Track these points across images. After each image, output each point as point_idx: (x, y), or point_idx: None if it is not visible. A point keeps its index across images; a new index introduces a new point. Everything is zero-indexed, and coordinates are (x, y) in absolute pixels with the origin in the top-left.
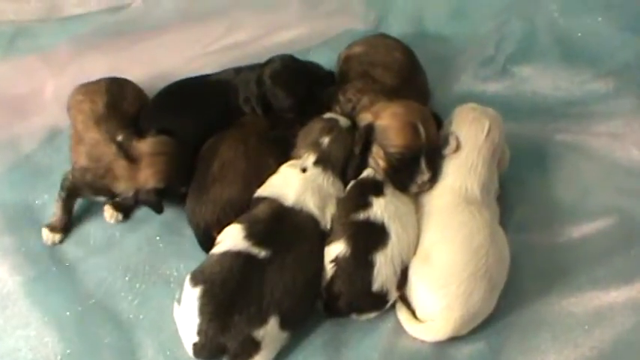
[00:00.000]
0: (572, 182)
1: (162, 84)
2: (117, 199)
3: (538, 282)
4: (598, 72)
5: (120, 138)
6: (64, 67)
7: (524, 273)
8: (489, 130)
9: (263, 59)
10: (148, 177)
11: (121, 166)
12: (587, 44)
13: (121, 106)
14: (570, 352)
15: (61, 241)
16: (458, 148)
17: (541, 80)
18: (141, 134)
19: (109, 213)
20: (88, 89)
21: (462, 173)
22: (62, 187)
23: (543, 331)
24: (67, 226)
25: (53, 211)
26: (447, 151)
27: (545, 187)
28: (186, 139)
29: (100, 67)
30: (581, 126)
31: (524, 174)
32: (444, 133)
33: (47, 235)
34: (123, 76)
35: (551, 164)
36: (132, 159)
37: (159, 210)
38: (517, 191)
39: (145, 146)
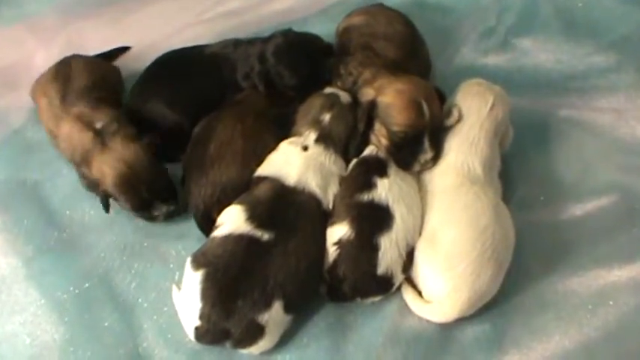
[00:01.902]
0: (575, 159)
1: (154, 53)
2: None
3: (541, 261)
4: (599, 45)
5: (98, 126)
6: (52, 37)
7: (528, 252)
8: (493, 105)
9: (258, 28)
10: (106, 173)
11: (96, 154)
12: (588, 15)
13: (73, 86)
14: (575, 333)
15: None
16: (460, 119)
17: (542, 53)
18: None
19: None
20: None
21: (463, 149)
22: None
23: (548, 311)
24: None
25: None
26: (449, 122)
27: (547, 164)
28: (177, 115)
29: (89, 36)
30: (584, 101)
31: (525, 150)
32: (447, 105)
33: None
34: (113, 46)
35: (553, 140)
36: (105, 146)
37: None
38: (518, 168)
39: (119, 142)
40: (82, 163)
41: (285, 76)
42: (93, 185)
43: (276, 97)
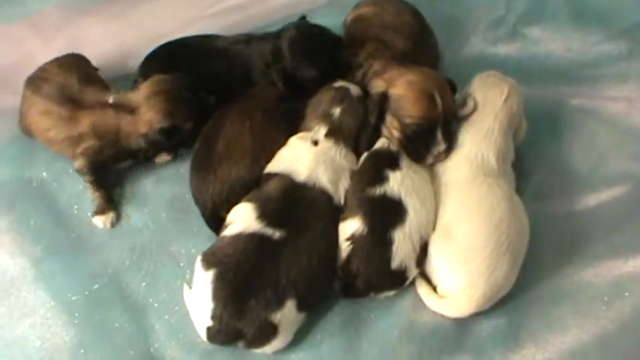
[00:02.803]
0: (587, 148)
1: None
2: (140, 156)
3: (556, 252)
4: (610, 32)
5: (111, 100)
6: (54, 35)
7: (542, 243)
8: (508, 96)
9: (264, 22)
10: (151, 120)
11: (126, 122)
12: (597, 3)
13: (84, 72)
14: (591, 326)
15: (119, 217)
16: (475, 109)
17: (552, 42)
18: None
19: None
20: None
21: (477, 140)
22: (84, 174)
23: (564, 303)
24: (110, 199)
25: (91, 198)
26: (464, 112)
27: (560, 154)
28: None
29: (92, 33)
30: (595, 90)
31: (538, 140)
32: (461, 96)
33: (101, 221)
34: (115, 43)
35: (565, 130)
36: (132, 110)
37: (187, 145)
38: (532, 158)
39: (140, 93)
40: (119, 139)
41: (303, 69)
42: (153, 143)
43: (296, 91)
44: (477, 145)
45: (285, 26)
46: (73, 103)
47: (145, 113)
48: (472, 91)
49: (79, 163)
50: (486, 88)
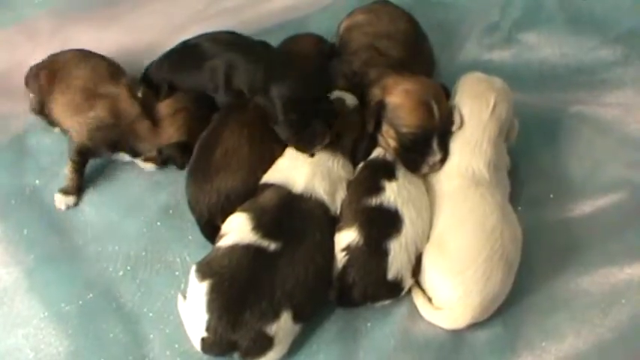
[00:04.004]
0: (583, 155)
1: (151, 55)
2: (138, 157)
3: (552, 259)
4: (605, 38)
5: (140, 93)
6: (47, 40)
7: (538, 250)
8: (495, 106)
9: (259, 26)
10: (171, 135)
11: (144, 126)
12: (593, 8)
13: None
14: (588, 334)
15: (76, 204)
16: (461, 125)
17: (548, 48)
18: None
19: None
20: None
21: (466, 153)
22: (74, 150)
23: (560, 311)
24: (80, 188)
25: (65, 174)
26: (452, 128)
27: (556, 161)
28: None
29: (85, 38)
30: (592, 96)
31: (533, 147)
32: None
33: (60, 200)
34: (109, 48)
35: (561, 137)
36: (154, 120)
37: (182, 165)
38: (527, 165)
39: (165, 107)
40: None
41: (292, 128)
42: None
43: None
44: (467, 158)
45: (276, 70)
46: (100, 77)
47: (166, 128)
48: (457, 102)
49: (77, 132)
50: (471, 100)
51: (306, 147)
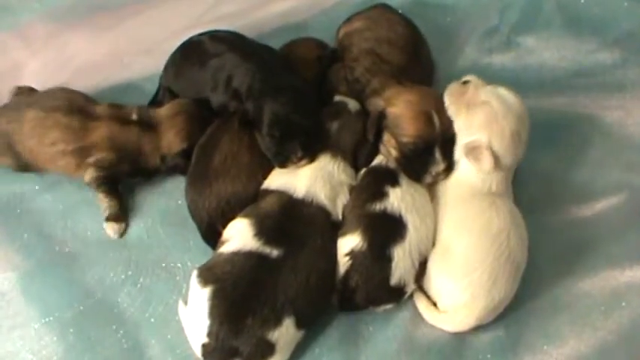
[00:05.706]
0: (583, 158)
1: (148, 61)
2: (152, 174)
3: (553, 262)
4: (604, 41)
5: (134, 117)
6: (43, 45)
7: (539, 254)
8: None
9: (259, 31)
10: (170, 139)
11: (146, 141)
12: (591, 11)
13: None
14: (590, 337)
15: (127, 226)
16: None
17: (546, 51)
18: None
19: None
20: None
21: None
22: (98, 186)
23: (561, 314)
24: (124, 209)
25: (104, 206)
26: (482, 169)
27: (556, 163)
28: None
29: (81, 44)
30: (590, 99)
31: (533, 150)
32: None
33: (112, 228)
34: (106, 54)
35: (560, 139)
36: (153, 127)
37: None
38: (527, 168)
39: (162, 111)
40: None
41: (286, 149)
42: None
43: None
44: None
45: (272, 89)
46: (81, 114)
47: (165, 131)
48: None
49: (91, 174)
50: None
51: (279, 164)
